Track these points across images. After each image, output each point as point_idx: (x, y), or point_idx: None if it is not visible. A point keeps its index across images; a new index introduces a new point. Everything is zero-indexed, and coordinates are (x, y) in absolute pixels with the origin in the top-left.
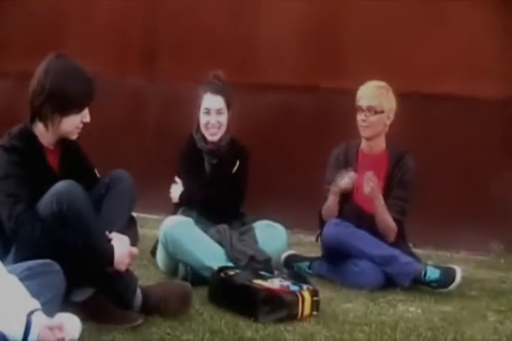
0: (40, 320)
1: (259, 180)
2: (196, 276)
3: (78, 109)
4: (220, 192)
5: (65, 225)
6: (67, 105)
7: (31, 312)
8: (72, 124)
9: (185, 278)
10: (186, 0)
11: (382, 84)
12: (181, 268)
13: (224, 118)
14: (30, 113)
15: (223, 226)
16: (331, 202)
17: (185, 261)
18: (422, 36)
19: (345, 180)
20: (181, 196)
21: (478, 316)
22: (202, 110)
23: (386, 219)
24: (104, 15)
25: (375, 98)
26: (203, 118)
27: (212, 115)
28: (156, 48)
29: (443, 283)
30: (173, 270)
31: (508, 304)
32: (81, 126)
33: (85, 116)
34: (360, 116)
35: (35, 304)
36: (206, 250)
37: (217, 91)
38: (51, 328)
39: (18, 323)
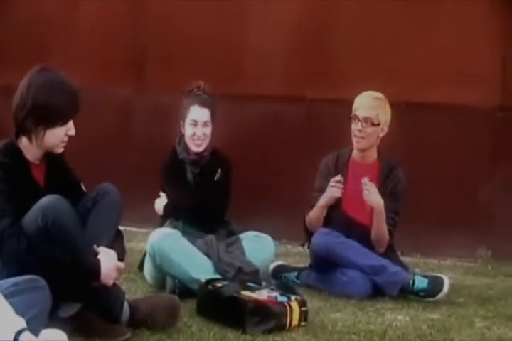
0: (28, 338)
1: (247, 190)
2: (184, 289)
3: (62, 122)
4: (204, 200)
5: (50, 240)
6: (51, 118)
7: (19, 332)
8: (57, 137)
9: (173, 291)
10: (173, 11)
11: (380, 95)
12: (169, 281)
13: (209, 130)
14: (15, 127)
15: (210, 238)
16: (317, 213)
17: (172, 273)
18: (411, 44)
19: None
20: (165, 207)
21: (466, 323)
22: (188, 122)
23: (382, 231)
24: (90, 25)
25: (372, 109)
26: (189, 130)
27: (199, 127)
28: (143, 59)
29: (431, 293)
30: (160, 283)
31: (495, 310)
32: (66, 139)
33: (70, 129)
34: (355, 126)
35: (22, 323)
36: (194, 262)
37: (204, 103)
38: None
39: None
